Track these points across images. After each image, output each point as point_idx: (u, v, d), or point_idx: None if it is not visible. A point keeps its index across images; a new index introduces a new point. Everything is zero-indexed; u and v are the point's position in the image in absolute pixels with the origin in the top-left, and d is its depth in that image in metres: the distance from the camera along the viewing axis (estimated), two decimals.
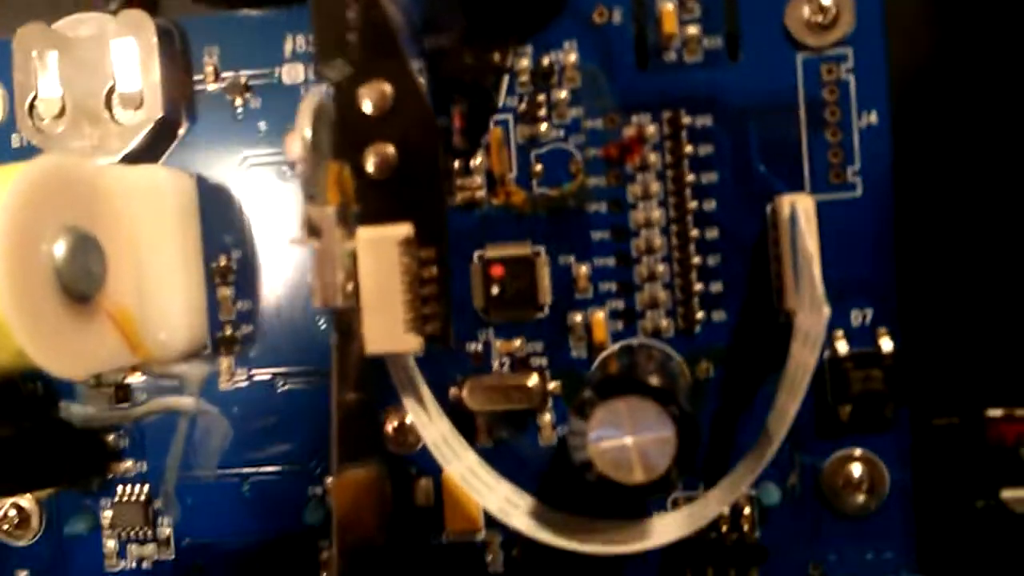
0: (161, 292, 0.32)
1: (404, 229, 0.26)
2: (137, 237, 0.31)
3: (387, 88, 0.26)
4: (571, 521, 0.30)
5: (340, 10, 0.26)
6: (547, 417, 0.33)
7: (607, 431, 0.25)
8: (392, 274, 0.26)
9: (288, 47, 0.33)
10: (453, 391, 0.32)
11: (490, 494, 0.29)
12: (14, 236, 0.26)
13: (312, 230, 0.25)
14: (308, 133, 0.25)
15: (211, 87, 0.33)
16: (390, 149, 0.26)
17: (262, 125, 0.33)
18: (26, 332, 0.26)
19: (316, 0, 0.26)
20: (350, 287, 0.26)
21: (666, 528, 0.28)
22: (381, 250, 0.26)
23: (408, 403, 0.29)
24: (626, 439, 0.25)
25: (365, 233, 0.26)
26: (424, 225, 0.26)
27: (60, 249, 0.27)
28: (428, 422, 0.29)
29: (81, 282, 0.28)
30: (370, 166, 0.26)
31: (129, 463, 0.34)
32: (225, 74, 0.33)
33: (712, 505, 0.27)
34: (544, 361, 0.32)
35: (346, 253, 0.26)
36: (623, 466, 0.25)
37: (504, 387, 0.32)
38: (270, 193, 0.33)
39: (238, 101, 0.33)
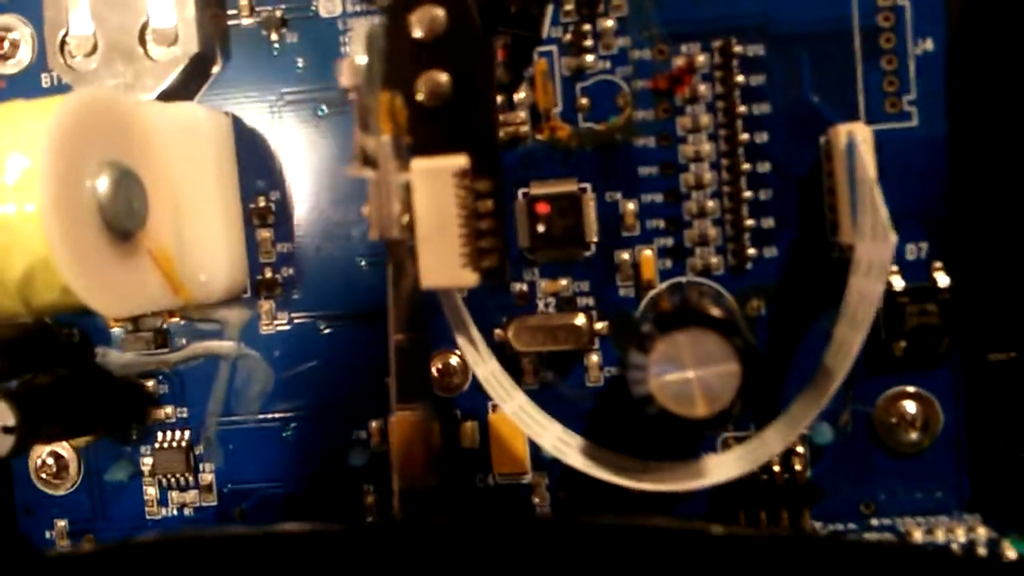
0: (200, 233, 0.31)
1: (459, 160, 0.25)
2: (175, 176, 0.30)
3: (439, 13, 0.25)
4: (623, 460, 0.29)
5: None
6: (594, 358, 0.32)
7: (668, 364, 0.25)
8: (448, 206, 0.25)
9: None
10: (498, 332, 0.32)
11: (544, 433, 0.29)
12: (57, 170, 0.25)
13: (367, 160, 0.25)
14: (362, 60, 0.24)
15: (246, 22, 0.32)
16: (443, 77, 0.26)
17: (299, 60, 0.32)
18: (72, 268, 0.25)
19: None
20: (405, 219, 0.25)
21: (723, 467, 0.28)
22: (436, 181, 0.25)
23: (461, 341, 0.28)
24: (688, 372, 0.25)
25: (420, 164, 0.25)
26: (479, 156, 0.26)
27: (103, 184, 0.26)
28: (481, 361, 0.28)
29: (124, 218, 0.27)
30: (422, 95, 0.26)
31: (169, 409, 0.34)
32: (260, 8, 0.32)
33: (771, 443, 0.27)
34: (591, 301, 0.32)
35: (401, 184, 0.25)
36: (685, 400, 0.25)
37: (551, 327, 0.31)
38: (308, 131, 0.33)
39: (274, 36, 0.32)
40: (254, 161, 0.33)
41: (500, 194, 0.26)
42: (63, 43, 0.32)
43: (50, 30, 0.32)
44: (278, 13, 0.32)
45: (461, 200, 0.25)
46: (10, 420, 0.29)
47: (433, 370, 0.32)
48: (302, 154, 0.33)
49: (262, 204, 0.33)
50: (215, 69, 0.32)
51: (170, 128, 0.30)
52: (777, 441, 0.27)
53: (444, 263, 0.25)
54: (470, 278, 0.26)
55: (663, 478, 0.27)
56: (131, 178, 0.27)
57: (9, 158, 0.25)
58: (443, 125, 0.26)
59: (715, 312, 0.25)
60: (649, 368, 0.25)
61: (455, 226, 0.25)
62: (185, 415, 0.34)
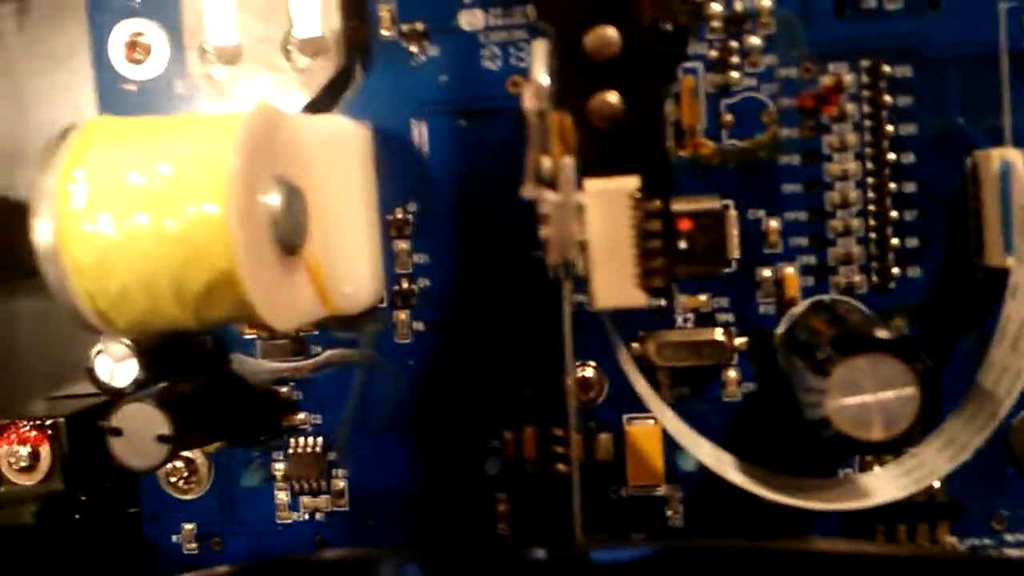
0: (345, 244, 0.31)
1: (633, 181, 0.25)
2: (323, 188, 0.30)
3: (613, 34, 0.26)
4: (774, 477, 0.30)
5: None
6: (732, 373, 0.32)
7: (847, 388, 0.25)
8: (622, 227, 0.25)
9: None
10: (635, 346, 0.32)
11: (699, 448, 0.29)
12: (244, 185, 0.25)
13: (546, 181, 0.25)
14: (545, 79, 0.24)
15: (387, 34, 0.33)
16: (614, 98, 0.26)
17: (439, 73, 0.32)
18: (252, 283, 0.25)
19: None
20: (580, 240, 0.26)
21: (887, 487, 0.28)
22: (611, 202, 0.25)
23: (623, 356, 0.28)
24: (867, 396, 0.25)
25: (594, 185, 0.25)
26: (648, 176, 0.26)
27: (275, 199, 0.27)
28: (639, 375, 0.28)
29: (292, 234, 0.27)
30: (593, 115, 0.26)
31: (303, 415, 0.34)
32: (402, 22, 0.33)
33: (934, 464, 0.27)
34: (730, 317, 0.32)
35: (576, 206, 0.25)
36: (862, 423, 0.25)
37: (695, 343, 0.32)
38: (446, 144, 0.33)
39: (414, 48, 0.33)
40: (392, 173, 0.33)
41: (669, 214, 0.26)
42: (202, 51, 0.32)
43: (189, 38, 0.32)
44: (420, 26, 0.32)
45: (633, 221, 0.26)
46: (165, 429, 0.29)
47: (568, 382, 0.33)
48: (440, 166, 0.33)
49: (400, 216, 0.33)
50: (356, 80, 0.33)
51: (319, 140, 0.30)
52: (942, 462, 0.27)
53: (617, 283, 0.26)
54: (640, 298, 0.26)
55: (829, 497, 0.27)
56: (296, 194, 0.28)
57: (194, 173, 0.25)
58: (613, 146, 0.26)
59: (891, 335, 0.25)
60: (827, 392, 0.25)
61: (628, 247, 0.26)
62: (319, 421, 0.34)
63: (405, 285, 0.33)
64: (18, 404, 0.36)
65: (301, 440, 0.34)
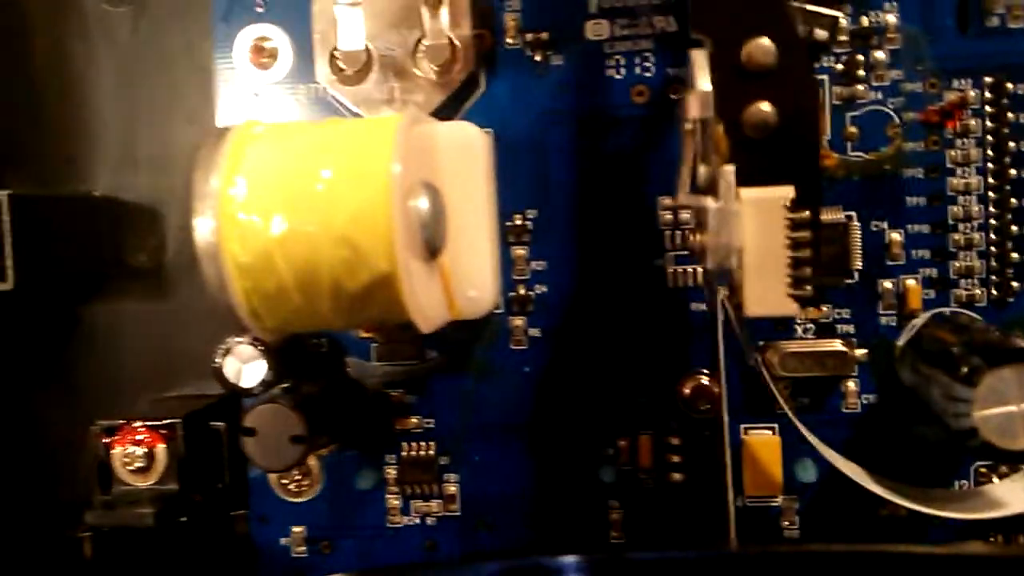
0: (470, 249, 0.31)
1: (788, 190, 0.26)
2: (452, 193, 0.31)
3: (769, 45, 0.26)
4: (904, 487, 0.30)
5: None
6: (851, 385, 0.33)
7: (994, 398, 0.25)
8: (776, 236, 0.26)
9: (594, 2, 0.32)
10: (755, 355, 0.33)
11: (837, 459, 0.30)
12: (402, 189, 0.25)
13: (706, 189, 0.25)
14: (707, 87, 0.24)
15: (512, 42, 0.33)
16: (769, 108, 0.26)
17: (563, 82, 0.33)
18: (407, 286, 0.26)
19: None
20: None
21: (1018, 498, 0.28)
22: (766, 212, 0.26)
23: (757, 365, 0.29)
24: (1013, 407, 0.25)
25: (750, 193, 0.26)
26: (800, 187, 0.26)
27: (424, 203, 0.27)
28: (775, 385, 0.29)
29: (435, 237, 0.27)
30: (747, 125, 0.26)
31: (416, 419, 0.34)
32: (526, 30, 0.33)
33: None
34: (851, 328, 0.33)
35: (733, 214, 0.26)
36: (1008, 433, 0.25)
37: (819, 354, 0.32)
38: (568, 151, 0.33)
39: (539, 57, 0.33)
40: (513, 179, 0.33)
41: (818, 225, 0.27)
42: (332, 57, 0.33)
43: (319, 44, 0.33)
44: (544, 36, 0.33)
45: (786, 230, 0.26)
46: (299, 429, 0.30)
47: (686, 390, 0.33)
48: (561, 174, 0.33)
49: (519, 222, 0.33)
50: (480, 87, 0.33)
51: (450, 145, 0.31)
52: None
53: (770, 292, 0.26)
54: (792, 307, 0.26)
55: (963, 508, 0.28)
56: (439, 197, 0.28)
57: (355, 176, 0.25)
58: (766, 155, 0.26)
59: None
60: (974, 402, 0.25)
61: (780, 256, 0.26)
62: (432, 425, 0.34)
63: (522, 291, 0.34)
64: (122, 405, 0.36)
65: (414, 444, 0.35)
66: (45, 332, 0.36)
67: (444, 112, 0.33)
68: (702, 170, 0.25)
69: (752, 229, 0.26)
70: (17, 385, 0.35)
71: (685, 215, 0.33)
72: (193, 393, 0.37)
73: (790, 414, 0.30)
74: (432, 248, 0.27)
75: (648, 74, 0.32)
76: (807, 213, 0.26)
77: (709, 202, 0.25)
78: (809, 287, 0.26)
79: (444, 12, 0.32)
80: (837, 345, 0.32)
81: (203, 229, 0.25)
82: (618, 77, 0.33)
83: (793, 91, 0.26)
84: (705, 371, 0.33)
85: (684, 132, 0.26)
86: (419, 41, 0.32)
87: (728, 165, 0.25)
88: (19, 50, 0.36)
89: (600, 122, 0.33)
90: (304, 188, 0.25)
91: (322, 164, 0.25)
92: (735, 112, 0.26)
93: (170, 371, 0.37)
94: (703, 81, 0.25)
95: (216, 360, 0.31)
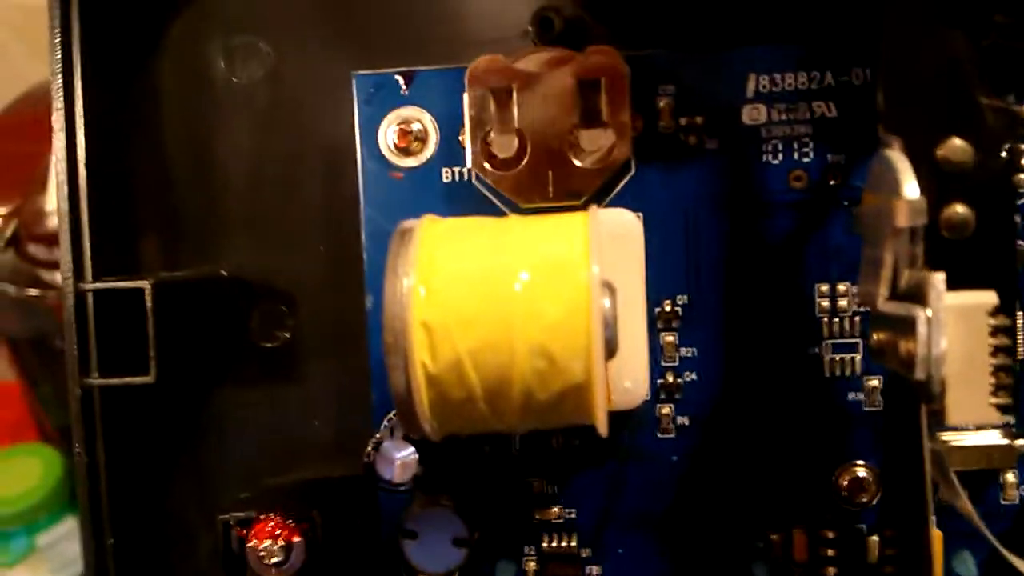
0: (626, 339, 0.31)
1: (992, 296, 0.25)
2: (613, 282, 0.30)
3: (966, 146, 0.25)
4: None
5: (913, 70, 0.25)
6: (1010, 476, 0.32)
7: None
8: (979, 343, 0.25)
9: (751, 87, 0.32)
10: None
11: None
12: (598, 295, 0.25)
13: (908, 296, 0.24)
14: (917, 194, 0.24)
15: (665, 125, 0.32)
16: (966, 209, 0.26)
17: (717, 166, 0.32)
18: (599, 394, 0.25)
19: (887, 59, 0.25)
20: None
21: None
22: (970, 318, 0.25)
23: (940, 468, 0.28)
24: None
25: (953, 300, 0.25)
26: (999, 291, 0.26)
27: (608, 304, 0.26)
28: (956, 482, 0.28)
29: (614, 337, 0.27)
30: (944, 227, 0.26)
31: (557, 509, 0.33)
32: (679, 115, 0.32)
33: None
34: (1011, 419, 0.32)
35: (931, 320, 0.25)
36: None
37: (984, 447, 0.31)
38: (719, 238, 0.32)
39: (692, 140, 0.32)
40: (663, 265, 0.32)
41: (1016, 330, 0.26)
42: (484, 142, 0.32)
43: (473, 130, 0.32)
44: (699, 120, 0.32)
45: (989, 337, 0.25)
46: (462, 532, 0.29)
47: (844, 482, 0.32)
48: (713, 260, 0.32)
49: (668, 308, 0.33)
50: (631, 172, 0.32)
51: (609, 234, 0.30)
52: None
53: (971, 400, 0.25)
54: (994, 416, 0.25)
55: None
56: (612, 293, 0.27)
57: (551, 286, 0.24)
58: (963, 258, 0.26)
59: None
60: None
61: (982, 363, 0.25)
62: (573, 515, 0.33)
63: (670, 379, 0.33)
64: (249, 489, 0.36)
65: (555, 535, 0.34)
66: (176, 418, 0.35)
67: (594, 196, 0.32)
68: (906, 276, 0.25)
69: (955, 336, 0.25)
70: (148, 472, 0.35)
71: (843, 303, 0.32)
72: (316, 476, 0.36)
73: (969, 510, 0.29)
74: (612, 349, 0.27)
75: (806, 159, 0.32)
76: (1006, 318, 0.26)
77: (918, 311, 0.24)
78: (1009, 395, 0.26)
79: (600, 96, 0.31)
80: (999, 438, 0.31)
81: (392, 333, 0.25)
82: (775, 162, 0.32)
83: (990, 192, 0.26)
84: (861, 462, 0.32)
85: (884, 237, 0.25)
86: (574, 127, 0.32)
87: (938, 273, 0.24)
88: (152, 130, 0.35)
89: (755, 207, 0.32)
90: (498, 297, 0.24)
91: (516, 270, 0.25)
92: (931, 213, 0.26)
93: (295, 454, 0.36)
94: (911, 188, 0.24)
95: (367, 455, 0.30)
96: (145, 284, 0.31)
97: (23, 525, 0.58)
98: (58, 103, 0.33)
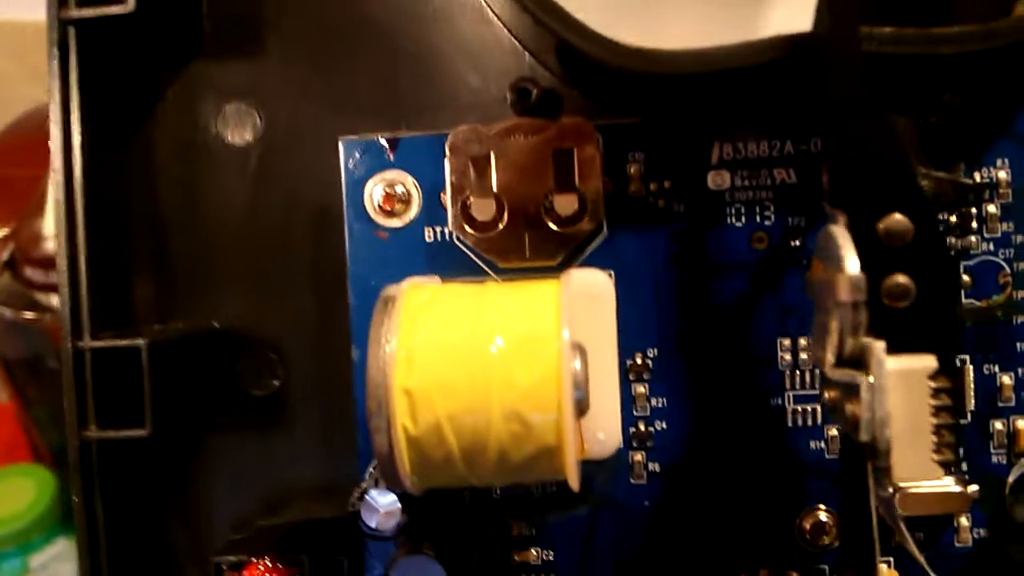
0: (599, 392, 0.33)
1: (930, 360, 0.27)
2: (585, 341, 0.32)
3: (905, 221, 0.27)
4: None
5: (856, 151, 0.27)
6: (964, 520, 0.34)
7: None
8: (920, 404, 0.27)
9: (715, 154, 0.34)
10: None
11: None
12: (568, 363, 0.27)
13: (851, 362, 0.26)
14: (858, 270, 0.26)
15: (634, 189, 0.34)
16: (907, 280, 0.27)
17: (683, 229, 0.34)
18: (570, 454, 0.27)
19: (832, 138, 0.27)
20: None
21: None
22: (911, 381, 0.27)
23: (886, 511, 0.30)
24: None
25: (895, 365, 0.27)
26: (940, 355, 0.27)
27: (579, 366, 0.28)
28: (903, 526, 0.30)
29: (586, 397, 0.29)
30: (886, 296, 0.28)
31: (535, 552, 0.35)
32: (648, 179, 0.34)
33: None
34: (964, 466, 0.34)
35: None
36: None
37: (940, 494, 0.33)
38: (689, 294, 0.34)
39: (661, 203, 0.34)
40: (633, 320, 0.34)
41: (959, 392, 0.28)
42: (463, 205, 0.34)
43: (454, 194, 0.34)
44: (667, 184, 0.34)
45: (930, 398, 0.27)
46: None
47: (806, 524, 0.34)
48: (681, 316, 0.34)
49: (639, 361, 0.34)
50: (602, 234, 0.34)
51: (581, 294, 0.32)
52: None
53: (914, 459, 0.27)
54: (938, 472, 0.27)
55: None
56: (585, 355, 0.29)
57: (524, 353, 0.26)
58: (904, 325, 0.28)
59: None
60: None
61: (924, 423, 0.27)
62: (551, 558, 0.35)
63: (642, 427, 0.35)
64: (241, 530, 0.37)
65: None
66: (168, 464, 0.37)
67: (568, 256, 0.34)
68: (849, 344, 0.26)
69: (898, 399, 0.27)
70: (143, 517, 0.36)
71: (803, 356, 0.34)
72: (302, 518, 0.38)
73: (916, 554, 0.31)
74: (582, 408, 0.28)
75: (768, 222, 0.34)
76: (947, 380, 0.28)
77: (861, 378, 0.26)
78: (952, 452, 0.28)
79: (572, 164, 0.33)
80: (953, 486, 0.33)
81: (375, 399, 0.26)
82: (738, 224, 0.34)
83: (930, 264, 0.28)
84: (823, 506, 0.34)
85: (827, 307, 0.27)
86: (549, 191, 0.34)
87: (879, 341, 0.26)
88: (148, 188, 0.37)
89: (720, 266, 0.34)
90: (476, 364, 0.26)
91: (492, 338, 0.26)
92: (873, 283, 0.28)
93: (285, 498, 0.38)
94: (852, 264, 0.26)
95: (352, 503, 0.32)
96: (141, 343, 0.33)
97: (16, 546, 0.58)
98: (56, 163, 0.35)
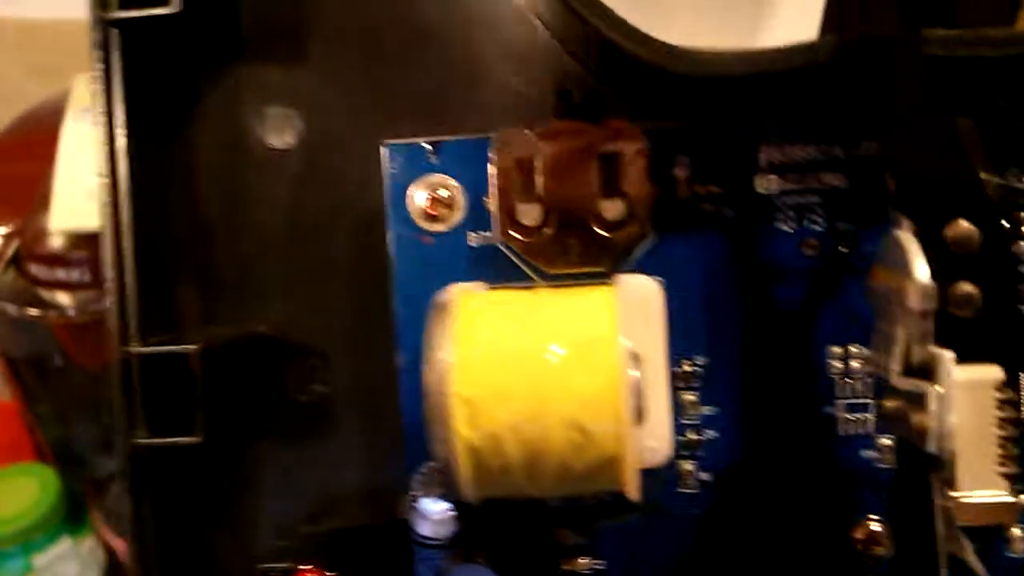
0: (649, 401, 0.32)
1: (997, 372, 0.26)
2: (636, 349, 0.32)
3: (972, 228, 0.27)
4: None
5: (922, 156, 0.27)
6: (1016, 531, 0.33)
7: None
8: (986, 416, 0.26)
9: (763, 158, 0.34)
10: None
11: None
12: (626, 369, 0.26)
13: (925, 373, 0.26)
14: (928, 279, 0.25)
15: (681, 194, 0.34)
16: (973, 288, 0.27)
17: (733, 233, 0.34)
18: (631, 463, 0.26)
19: (901, 144, 0.27)
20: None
21: None
22: (977, 392, 0.26)
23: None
24: None
25: (961, 376, 0.26)
26: (1006, 366, 0.27)
27: (636, 373, 0.28)
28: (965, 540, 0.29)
29: (643, 405, 0.28)
30: (952, 305, 0.27)
31: (585, 560, 0.35)
32: (695, 183, 0.34)
33: None
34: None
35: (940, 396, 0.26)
36: None
37: (993, 505, 0.32)
38: (737, 300, 0.34)
39: (708, 208, 0.34)
40: (682, 327, 0.34)
41: (1021, 403, 0.27)
42: (509, 211, 0.34)
43: (499, 199, 0.33)
44: (714, 189, 0.34)
45: (995, 410, 0.27)
46: None
47: (859, 536, 0.34)
48: (730, 323, 0.34)
49: (688, 368, 0.34)
50: (649, 239, 0.34)
51: (631, 301, 0.32)
52: None
53: (979, 469, 0.27)
54: (1002, 484, 0.27)
55: None
56: (640, 362, 0.29)
57: (582, 360, 0.26)
58: (970, 334, 0.27)
59: None
60: None
61: (990, 435, 0.26)
62: (603, 567, 0.35)
63: (692, 436, 0.34)
64: (287, 538, 0.37)
65: None
66: (216, 471, 0.36)
67: (616, 262, 0.34)
68: (917, 353, 0.26)
69: (964, 409, 0.27)
70: (190, 524, 0.36)
71: (855, 364, 0.34)
72: (348, 525, 0.38)
73: (976, 565, 0.30)
74: (640, 415, 0.28)
75: (817, 228, 0.33)
76: (1012, 392, 0.27)
77: (929, 388, 0.26)
78: (1016, 464, 0.27)
79: (618, 168, 0.33)
80: (1006, 495, 0.33)
81: (434, 406, 0.26)
82: (787, 230, 0.34)
83: (996, 272, 0.27)
84: (875, 516, 0.34)
85: (896, 315, 0.27)
86: (595, 196, 0.33)
87: (947, 351, 0.26)
88: (191, 192, 0.37)
89: (769, 272, 0.34)
90: (533, 372, 0.26)
91: (549, 345, 0.26)
92: (942, 292, 0.27)
93: (331, 505, 0.37)
94: (923, 271, 0.25)
95: (405, 512, 0.32)
96: (192, 348, 0.33)
97: (19, 545, 0.58)
98: (104, 172, 0.35)
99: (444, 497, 0.31)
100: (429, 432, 0.26)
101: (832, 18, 0.37)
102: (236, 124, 0.37)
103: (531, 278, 0.34)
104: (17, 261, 0.52)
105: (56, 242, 0.51)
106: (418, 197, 0.35)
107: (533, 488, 0.27)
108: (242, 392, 0.36)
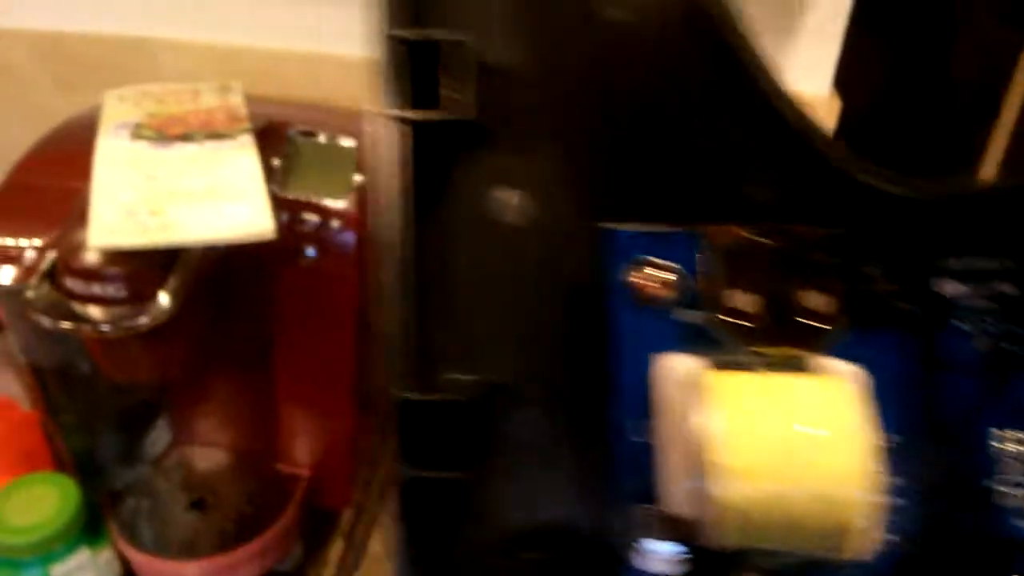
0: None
1: None
2: None
3: None
4: None
5: None
6: None
7: None
8: None
9: (948, 262, 0.39)
10: None
11: None
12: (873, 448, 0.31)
13: None
14: None
15: (872, 291, 0.39)
16: None
17: (917, 329, 0.39)
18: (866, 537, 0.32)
19: None
20: None
21: None
22: None
23: None
24: None
25: None
26: None
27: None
28: None
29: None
30: None
31: None
32: (887, 281, 0.39)
33: None
34: None
35: None
36: None
37: None
38: (922, 386, 0.39)
39: (895, 305, 0.39)
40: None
41: None
42: (718, 295, 0.39)
43: (708, 285, 0.39)
44: (900, 288, 0.39)
45: None
46: None
47: None
48: (909, 408, 0.39)
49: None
50: (845, 330, 0.39)
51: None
52: None
53: None
54: None
55: None
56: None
57: (834, 438, 0.31)
58: None
59: None
60: None
61: None
62: None
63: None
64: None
65: None
66: (452, 505, 0.41)
67: (814, 349, 0.39)
68: None
69: None
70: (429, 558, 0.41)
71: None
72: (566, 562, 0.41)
73: None
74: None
75: (992, 328, 0.39)
76: None
77: None
78: None
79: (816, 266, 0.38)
80: None
81: (694, 467, 0.31)
82: (965, 328, 0.39)
83: None
84: None
85: None
86: (797, 288, 0.39)
87: None
88: (440, 260, 0.42)
89: (946, 366, 0.39)
90: (788, 450, 0.31)
91: (804, 427, 0.31)
92: None
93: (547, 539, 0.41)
94: None
95: (629, 549, 0.36)
96: (462, 399, 0.39)
97: (38, 556, 0.58)
98: (401, 222, 0.40)
99: (662, 539, 0.36)
100: (686, 487, 0.31)
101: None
102: (473, 202, 0.42)
103: (735, 354, 0.40)
104: (52, 274, 0.52)
105: (92, 257, 0.50)
106: (638, 278, 0.40)
107: (768, 543, 0.32)
108: (477, 433, 0.41)
